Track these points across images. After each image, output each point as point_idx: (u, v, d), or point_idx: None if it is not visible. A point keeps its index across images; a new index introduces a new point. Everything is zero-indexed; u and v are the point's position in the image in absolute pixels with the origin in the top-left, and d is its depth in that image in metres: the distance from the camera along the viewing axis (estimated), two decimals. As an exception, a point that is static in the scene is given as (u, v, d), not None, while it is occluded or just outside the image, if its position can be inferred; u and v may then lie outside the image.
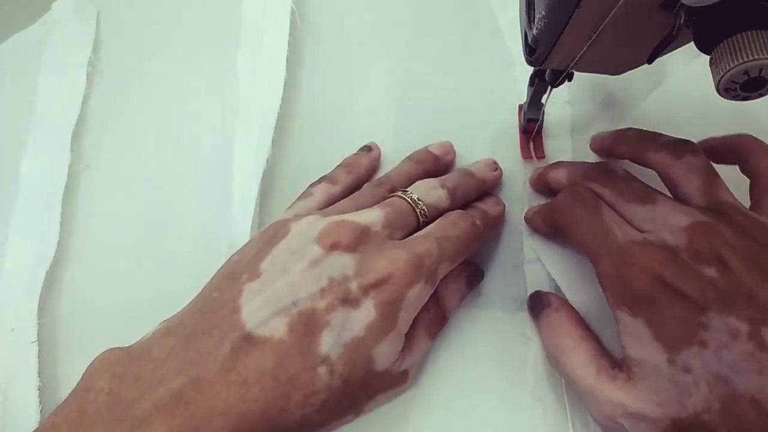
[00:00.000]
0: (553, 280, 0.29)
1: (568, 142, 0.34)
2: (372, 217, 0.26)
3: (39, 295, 0.30)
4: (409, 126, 0.35)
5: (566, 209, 0.26)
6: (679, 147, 0.26)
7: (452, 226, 0.27)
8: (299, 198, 0.30)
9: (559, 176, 0.29)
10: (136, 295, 0.31)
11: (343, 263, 0.24)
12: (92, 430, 0.21)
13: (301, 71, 0.37)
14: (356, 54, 0.37)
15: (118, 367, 0.23)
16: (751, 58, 0.18)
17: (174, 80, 0.37)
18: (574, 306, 0.28)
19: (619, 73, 0.26)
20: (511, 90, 0.35)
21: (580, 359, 0.25)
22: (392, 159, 0.34)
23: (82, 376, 0.23)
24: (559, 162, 0.30)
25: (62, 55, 0.37)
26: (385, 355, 0.24)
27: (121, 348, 0.23)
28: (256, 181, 0.32)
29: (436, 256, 0.25)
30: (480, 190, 0.31)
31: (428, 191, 0.28)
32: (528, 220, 0.31)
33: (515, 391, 0.28)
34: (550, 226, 0.29)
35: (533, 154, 0.33)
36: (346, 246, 0.24)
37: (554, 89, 0.29)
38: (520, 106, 0.34)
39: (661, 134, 0.27)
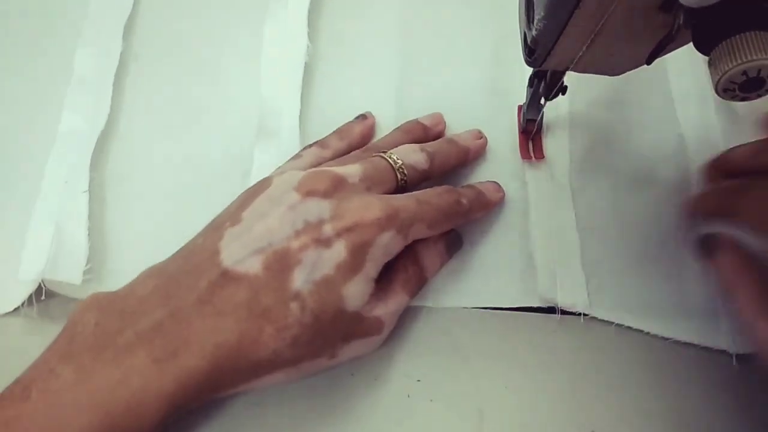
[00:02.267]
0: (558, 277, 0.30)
1: (566, 142, 0.34)
2: (350, 169, 0.27)
3: (91, 155, 0.33)
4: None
5: None
6: None
7: (436, 195, 0.28)
8: (290, 158, 0.31)
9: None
10: (173, 164, 0.35)
11: (318, 208, 0.25)
12: (79, 358, 0.23)
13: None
14: (356, 54, 0.37)
15: (104, 303, 0.24)
16: (749, 58, 0.18)
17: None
18: None
19: (618, 74, 0.26)
20: (511, 90, 0.35)
21: (750, 295, 0.25)
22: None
23: (70, 314, 0.25)
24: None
25: None
26: (353, 295, 0.25)
27: (107, 292, 0.25)
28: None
29: (412, 214, 0.26)
30: (461, 159, 0.32)
31: (408, 153, 0.29)
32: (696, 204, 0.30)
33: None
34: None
35: (532, 155, 0.33)
36: (323, 192, 0.26)
37: (550, 98, 0.29)
38: (520, 107, 0.34)
39: None
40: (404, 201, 0.27)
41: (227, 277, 0.24)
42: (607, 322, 0.29)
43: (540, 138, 0.34)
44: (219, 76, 0.37)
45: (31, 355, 0.23)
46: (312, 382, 0.28)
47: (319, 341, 0.25)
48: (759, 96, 0.19)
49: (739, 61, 0.18)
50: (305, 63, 0.36)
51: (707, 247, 0.28)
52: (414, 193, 0.28)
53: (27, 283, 0.30)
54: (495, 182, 0.32)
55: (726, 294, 0.27)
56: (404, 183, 0.29)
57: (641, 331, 0.29)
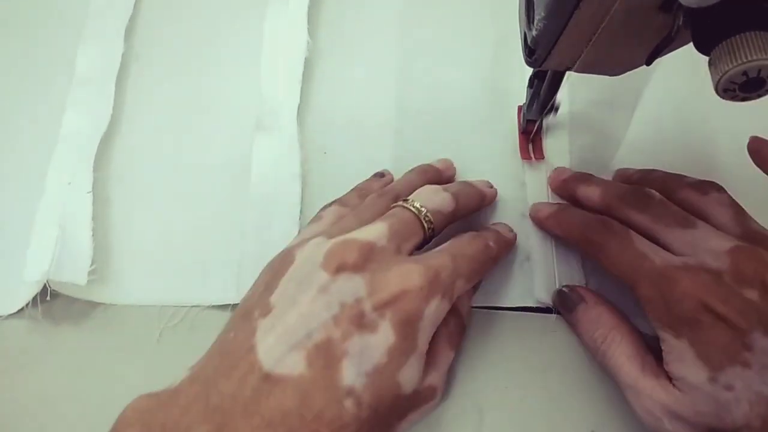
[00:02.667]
0: (557, 277, 0.30)
1: (566, 143, 0.34)
2: (376, 231, 0.25)
3: (95, 155, 0.34)
4: (409, 127, 0.35)
5: (598, 240, 0.27)
6: (705, 185, 0.27)
7: (466, 244, 0.27)
8: (310, 222, 0.30)
9: (591, 194, 0.29)
10: (175, 163, 0.35)
11: (352, 285, 0.23)
12: None
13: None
14: (356, 53, 0.37)
15: (146, 416, 0.22)
16: (749, 59, 0.18)
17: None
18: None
19: (618, 74, 0.26)
20: (511, 90, 0.35)
21: (626, 352, 0.25)
22: (392, 158, 0.34)
23: (114, 424, 0.23)
24: (589, 177, 0.30)
25: None
26: (409, 377, 0.23)
27: (150, 395, 0.23)
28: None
29: (452, 271, 0.25)
30: (480, 202, 0.31)
31: (431, 196, 0.28)
32: (539, 220, 0.31)
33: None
34: (569, 238, 0.29)
35: (532, 155, 0.33)
36: (353, 266, 0.23)
37: (553, 92, 0.29)
38: (520, 107, 0.34)
39: (685, 175, 0.28)
40: (440, 260, 0.25)
41: (270, 381, 0.22)
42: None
43: (540, 138, 0.34)
44: (220, 74, 0.37)
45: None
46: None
47: (378, 429, 0.23)
48: (759, 96, 0.19)
49: (739, 61, 0.18)
50: (305, 59, 0.36)
51: (567, 300, 0.28)
52: (445, 247, 0.26)
53: (31, 284, 0.30)
54: (505, 223, 0.31)
55: (597, 351, 0.27)
56: (431, 232, 0.27)
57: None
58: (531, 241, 0.31)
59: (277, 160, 0.33)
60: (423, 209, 0.27)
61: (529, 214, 0.31)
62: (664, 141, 0.33)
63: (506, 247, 0.30)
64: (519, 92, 0.34)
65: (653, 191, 0.27)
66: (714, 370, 0.22)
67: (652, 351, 0.26)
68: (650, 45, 0.22)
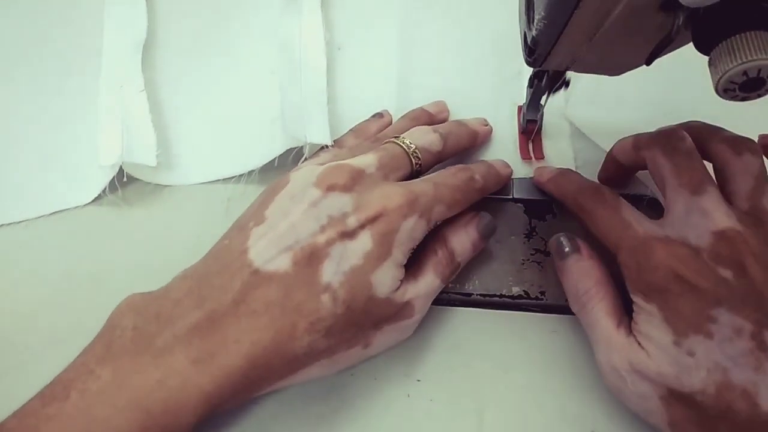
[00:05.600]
0: None
1: (566, 143, 0.34)
2: (366, 160, 0.27)
3: (141, 57, 0.37)
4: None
5: (588, 206, 0.28)
6: (741, 143, 0.26)
7: (450, 175, 0.29)
8: (309, 159, 0.32)
9: (625, 143, 0.29)
10: (213, 61, 0.38)
11: (340, 202, 0.26)
12: (118, 361, 0.23)
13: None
14: (356, 54, 0.37)
15: (141, 307, 0.25)
16: (749, 58, 0.18)
17: None
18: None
19: (618, 74, 0.26)
20: (512, 91, 0.35)
21: (606, 308, 0.26)
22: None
23: (108, 318, 0.25)
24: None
25: None
26: (383, 281, 0.25)
27: (143, 293, 0.26)
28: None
29: (431, 197, 0.27)
30: (471, 141, 0.33)
31: (421, 136, 0.30)
32: (540, 183, 0.32)
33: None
34: (565, 201, 0.30)
35: (532, 155, 0.33)
36: (342, 186, 0.26)
37: (553, 91, 0.29)
38: (520, 107, 0.34)
39: (724, 129, 0.27)
40: (422, 186, 0.27)
41: (258, 276, 0.24)
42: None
43: (540, 138, 0.34)
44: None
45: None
46: (312, 381, 0.28)
47: (352, 330, 0.25)
48: (759, 96, 0.19)
49: (739, 61, 0.18)
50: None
51: (562, 247, 0.29)
52: (429, 176, 0.28)
53: (107, 168, 0.33)
54: (502, 160, 0.32)
55: (577, 301, 0.27)
56: (419, 167, 0.29)
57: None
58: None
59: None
60: (412, 146, 0.29)
61: (533, 178, 0.32)
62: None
63: (495, 180, 0.31)
64: (519, 92, 0.34)
65: (686, 135, 0.27)
66: (678, 336, 0.23)
67: (629, 315, 0.26)
68: (650, 45, 0.22)
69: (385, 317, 0.26)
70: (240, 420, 0.27)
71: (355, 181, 0.26)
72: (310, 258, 0.25)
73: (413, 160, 0.29)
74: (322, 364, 0.25)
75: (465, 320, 0.30)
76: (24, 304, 0.31)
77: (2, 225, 0.34)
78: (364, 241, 0.25)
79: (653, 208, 0.31)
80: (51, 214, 0.34)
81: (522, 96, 0.33)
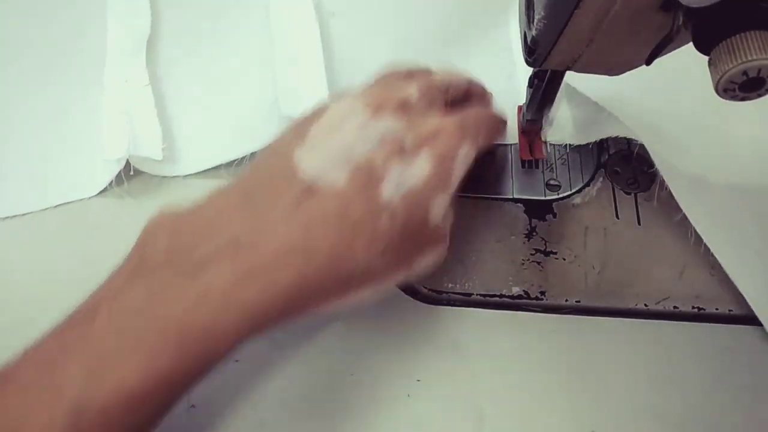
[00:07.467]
0: None
1: (566, 143, 0.34)
2: (409, 89, 0.26)
3: (145, 53, 0.37)
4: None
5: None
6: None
7: (482, 110, 0.29)
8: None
9: None
10: (213, 54, 0.39)
11: (392, 123, 0.25)
12: (151, 276, 0.21)
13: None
14: (356, 54, 0.37)
15: (174, 220, 0.23)
16: (749, 58, 0.18)
17: None
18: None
19: (618, 74, 0.26)
20: (512, 90, 0.35)
21: None
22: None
23: (138, 237, 0.23)
24: None
25: None
26: (439, 208, 0.24)
27: (173, 209, 0.24)
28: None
29: (475, 127, 0.26)
30: (483, 95, 0.32)
31: (449, 74, 0.29)
32: None
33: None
34: None
35: (532, 155, 0.33)
36: (393, 108, 0.25)
37: (553, 91, 0.29)
38: (520, 107, 0.34)
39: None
40: (466, 114, 0.27)
41: (311, 191, 0.23)
42: (608, 322, 0.30)
43: (540, 138, 0.34)
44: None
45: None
46: (312, 381, 0.28)
47: (403, 252, 0.24)
48: (759, 96, 0.19)
49: (739, 61, 0.18)
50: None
51: None
52: (465, 112, 0.27)
53: (113, 162, 0.33)
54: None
55: None
56: (451, 101, 0.28)
57: (643, 332, 0.29)
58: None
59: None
60: (446, 79, 0.29)
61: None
62: (666, 140, 0.33)
63: (504, 125, 0.32)
64: (519, 92, 0.34)
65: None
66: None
67: None
68: (650, 45, 0.22)
69: (428, 241, 0.25)
70: (240, 420, 0.27)
71: (403, 107, 0.25)
72: (369, 175, 0.23)
73: (448, 92, 0.28)
74: (375, 285, 0.24)
75: (465, 320, 0.30)
76: (29, 295, 0.31)
77: (7, 217, 0.33)
78: (423, 166, 0.24)
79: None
80: (56, 206, 0.34)
81: (522, 96, 0.33)
